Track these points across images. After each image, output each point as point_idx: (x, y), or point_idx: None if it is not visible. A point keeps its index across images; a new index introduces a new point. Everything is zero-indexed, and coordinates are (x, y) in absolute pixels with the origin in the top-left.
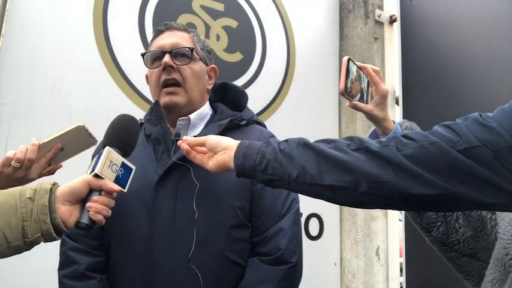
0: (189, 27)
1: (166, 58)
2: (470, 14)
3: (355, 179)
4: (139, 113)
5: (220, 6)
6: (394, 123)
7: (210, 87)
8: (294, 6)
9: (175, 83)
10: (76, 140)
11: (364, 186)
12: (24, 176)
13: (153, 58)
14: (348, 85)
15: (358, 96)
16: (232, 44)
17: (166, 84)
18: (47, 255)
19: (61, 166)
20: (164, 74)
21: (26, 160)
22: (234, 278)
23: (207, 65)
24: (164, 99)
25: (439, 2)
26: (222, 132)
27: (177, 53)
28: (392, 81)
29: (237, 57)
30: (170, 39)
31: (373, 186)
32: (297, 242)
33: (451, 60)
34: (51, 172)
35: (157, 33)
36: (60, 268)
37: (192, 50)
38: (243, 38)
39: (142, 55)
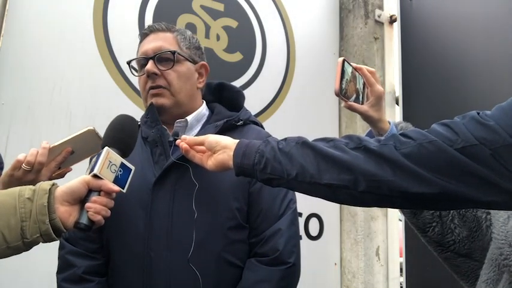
0: (173, 26)
1: (149, 65)
2: (470, 14)
3: (354, 178)
4: (139, 113)
5: (220, 6)
6: (390, 124)
7: (201, 85)
8: (294, 6)
9: (161, 87)
10: (86, 144)
11: (362, 185)
12: (34, 179)
13: (139, 65)
14: (343, 86)
15: (354, 97)
16: (232, 44)
17: (152, 88)
18: (49, 257)
19: (71, 169)
20: (149, 81)
21: (37, 163)
22: (232, 280)
23: (195, 62)
24: (151, 102)
25: (439, 2)
26: (219, 133)
27: (160, 58)
28: (392, 81)
29: (237, 57)
30: (153, 43)
31: (371, 185)
32: (295, 243)
33: (451, 60)
34: (61, 175)
35: (143, 37)
36: (58, 272)
37: (174, 52)
38: (243, 38)
39: (128, 63)
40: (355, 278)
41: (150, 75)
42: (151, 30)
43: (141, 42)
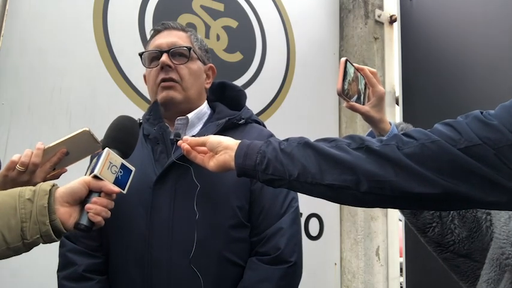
0: (186, 27)
1: (164, 58)
2: (471, 14)
3: (356, 178)
4: (139, 113)
5: (220, 6)
6: (391, 124)
7: (208, 86)
8: (294, 6)
9: (173, 81)
10: (81, 145)
11: (364, 185)
12: (28, 180)
13: (151, 58)
14: (345, 86)
15: (355, 97)
16: (232, 44)
17: (164, 81)
18: (49, 255)
19: (66, 171)
20: (162, 73)
21: (31, 164)
22: (233, 278)
23: (204, 64)
24: (161, 95)
25: (439, 2)
26: (220, 132)
27: (174, 52)
28: (392, 81)
29: (237, 57)
30: (167, 38)
31: (374, 185)
32: (296, 241)
33: (451, 60)
34: (56, 176)
35: (155, 33)
36: (59, 270)
37: (189, 49)
38: (243, 38)
39: (140, 55)
40: (355, 278)
41: (164, 67)
42: (166, 27)
43: (152, 37)
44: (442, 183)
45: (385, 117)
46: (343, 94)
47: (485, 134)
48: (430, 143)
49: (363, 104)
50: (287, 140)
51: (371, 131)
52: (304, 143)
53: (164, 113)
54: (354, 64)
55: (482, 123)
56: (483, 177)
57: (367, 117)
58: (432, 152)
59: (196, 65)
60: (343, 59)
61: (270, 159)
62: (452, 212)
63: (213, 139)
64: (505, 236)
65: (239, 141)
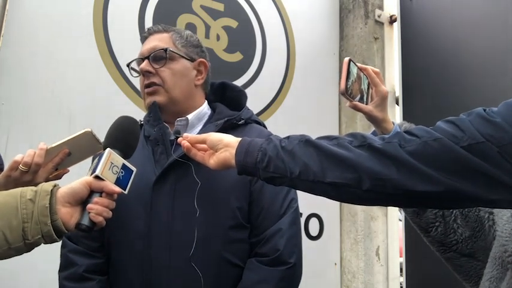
0: (169, 26)
1: (143, 64)
2: (470, 14)
3: (358, 176)
4: (139, 113)
5: (220, 6)
6: (394, 124)
7: (199, 82)
8: (294, 6)
9: (155, 85)
10: (83, 146)
11: (367, 183)
12: (31, 180)
13: (138, 65)
14: (349, 86)
15: (358, 97)
16: (232, 44)
17: (146, 87)
18: (51, 255)
19: (68, 171)
20: (145, 79)
21: (33, 164)
22: (232, 279)
23: (192, 60)
24: (146, 101)
25: (439, 2)
26: (220, 132)
27: (154, 56)
28: (392, 81)
29: (237, 57)
30: (149, 44)
31: (376, 183)
32: (295, 243)
33: (451, 60)
34: (58, 177)
35: (143, 40)
36: (60, 270)
37: (165, 50)
38: (243, 38)
39: (128, 65)
40: (355, 278)
41: (145, 74)
42: (150, 32)
43: (142, 44)
44: (445, 181)
45: (387, 117)
46: (347, 94)
47: (488, 131)
48: (433, 140)
49: (366, 104)
50: (288, 137)
51: (374, 131)
52: (305, 141)
53: (161, 115)
54: (357, 64)
55: (486, 120)
56: (486, 175)
57: (370, 117)
58: (435, 150)
59: (180, 64)
60: (346, 59)
61: (271, 156)
62: (455, 211)
63: (214, 136)
64: (507, 233)
65: (240, 138)
